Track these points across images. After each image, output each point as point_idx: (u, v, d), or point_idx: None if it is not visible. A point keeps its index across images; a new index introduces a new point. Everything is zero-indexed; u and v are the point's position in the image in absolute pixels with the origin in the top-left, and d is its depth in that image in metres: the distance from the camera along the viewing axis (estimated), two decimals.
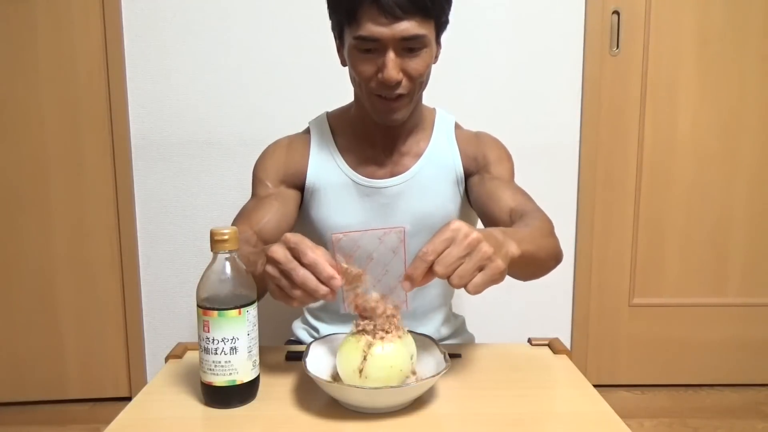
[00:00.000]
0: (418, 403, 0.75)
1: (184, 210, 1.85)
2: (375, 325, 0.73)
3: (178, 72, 1.79)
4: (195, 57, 1.78)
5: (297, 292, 0.70)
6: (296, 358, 0.89)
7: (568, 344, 1.89)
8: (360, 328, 0.74)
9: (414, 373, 0.78)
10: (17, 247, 1.83)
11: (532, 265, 0.87)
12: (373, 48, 0.93)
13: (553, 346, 0.95)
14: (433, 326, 1.14)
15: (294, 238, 0.70)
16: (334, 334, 0.86)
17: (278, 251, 0.70)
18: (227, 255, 0.73)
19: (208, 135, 1.82)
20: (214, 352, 0.72)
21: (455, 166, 1.09)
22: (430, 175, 1.08)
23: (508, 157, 1.12)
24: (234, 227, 0.73)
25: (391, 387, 0.71)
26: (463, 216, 1.11)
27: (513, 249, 0.76)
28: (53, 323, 1.87)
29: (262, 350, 0.80)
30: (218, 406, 0.75)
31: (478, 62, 1.82)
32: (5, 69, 1.74)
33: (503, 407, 0.76)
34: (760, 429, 1.79)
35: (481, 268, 0.70)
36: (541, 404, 0.78)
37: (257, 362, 0.76)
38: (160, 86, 1.79)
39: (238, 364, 0.73)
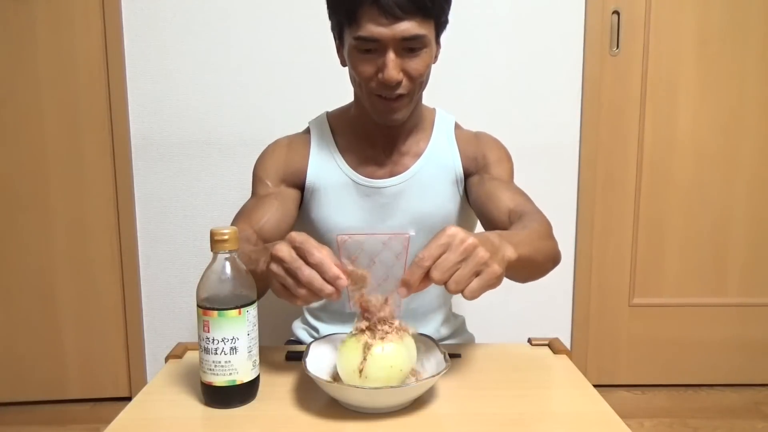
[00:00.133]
0: (418, 403, 0.75)
1: (184, 210, 1.85)
2: (375, 325, 0.73)
3: (178, 72, 1.79)
4: (195, 57, 1.78)
5: (302, 291, 0.70)
6: (296, 358, 0.89)
7: (568, 344, 1.89)
8: (360, 328, 0.74)
9: (414, 373, 0.78)
10: (17, 247, 1.83)
11: (530, 267, 0.87)
12: (373, 48, 0.93)
13: (553, 346, 0.95)
14: (433, 326, 1.14)
15: (299, 237, 0.70)
16: (334, 334, 0.86)
17: (283, 250, 0.70)
18: (227, 255, 0.73)
19: (208, 135, 1.82)
20: (214, 352, 0.72)
21: (455, 166, 1.09)
22: (430, 175, 1.08)
23: (508, 158, 1.12)
24: (234, 227, 0.73)
25: (391, 387, 0.71)
26: (463, 216, 1.11)
27: (510, 253, 0.76)
28: (53, 323, 1.87)
29: (262, 350, 0.80)
30: (218, 406, 0.75)
31: (477, 62, 1.82)
32: (5, 69, 1.74)
33: (503, 407, 0.76)
34: (760, 429, 1.79)
35: (477, 274, 0.70)
36: (541, 404, 0.78)
37: (257, 362, 0.76)
38: (160, 86, 1.79)
39: (238, 364, 0.73)
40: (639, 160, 1.92)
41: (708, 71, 1.87)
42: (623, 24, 1.83)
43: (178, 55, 1.78)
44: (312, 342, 0.83)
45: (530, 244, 0.84)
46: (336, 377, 0.77)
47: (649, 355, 2.01)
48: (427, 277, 0.69)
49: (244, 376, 0.74)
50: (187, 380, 0.83)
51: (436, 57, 1.01)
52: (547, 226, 0.96)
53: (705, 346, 2.01)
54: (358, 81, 0.99)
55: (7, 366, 1.88)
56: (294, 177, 1.08)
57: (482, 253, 0.69)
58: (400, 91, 0.96)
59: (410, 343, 0.75)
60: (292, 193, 1.08)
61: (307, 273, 0.69)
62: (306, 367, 0.75)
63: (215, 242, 0.72)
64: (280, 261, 0.70)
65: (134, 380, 1.91)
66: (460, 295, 0.70)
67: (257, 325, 0.76)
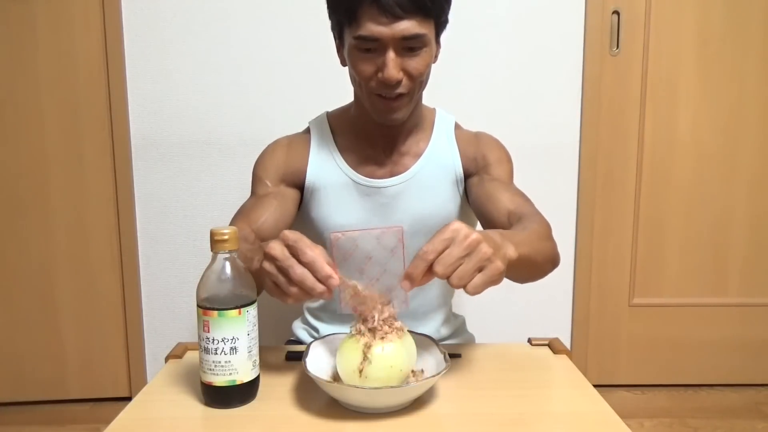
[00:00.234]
0: (418, 403, 0.75)
1: (184, 210, 1.85)
2: (375, 326, 0.73)
3: (178, 72, 1.79)
4: (195, 57, 1.78)
5: (293, 290, 0.70)
6: (296, 358, 0.89)
7: (568, 344, 1.89)
8: (360, 328, 0.74)
9: (414, 373, 0.78)
10: (17, 247, 1.83)
11: (529, 268, 0.87)
12: (374, 47, 0.93)
13: (553, 346, 0.95)
14: (433, 326, 1.14)
15: (292, 235, 0.70)
16: (334, 334, 0.86)
17: (276, 248, 0.70)
18: (227, 255, 0.72)
19: (208, 135, 1.82)
20: (214, 352, 0.72)
21: (455, 166, 1.09)
22: (430, 175, 1.08)
23: (508, 159, 1.12)
24: (234, 227, 0.73)
25: (391, 387, 0.71)
26: (463, 216, 1.11)
27: (511, 251, 0.76)
28: (53, 323, 1.87)
29: (262, 350, 0.80)
30: (218, 406, 0.75)
31: (478, 62, 1.82)
32: (5, 69, 1.74)
33: (503, 407, 0.76)
34: (760, 429, 1.79)
35: (480, 269, 0.70)
36: (541, 404, 0.78)
37: (257, 362, 0.76)
38: (160, 86, 1.79)
39: (238, 364, 0.73)
40: (639, 160, 1.92)
41: (708, 71, 1.87)
42: (623, 24, 1.83)
43: (178, 55, 1.78)
44: (312, 342, 0.83)
45: (530, 244, 0.84)
46: (336, 377, 0.77)
47: (649, 355, 2.01)
48: (430, 272, 0.69)
49: (244, 376, 0.74)
50: (187, 380, 0.83)
51: (436, 57, 1.01)
52: (547, 228, 0.96)
53: (705, 346, 2.01)
54: (358, 80, 0.99)
55: (7, 366, 1.88)
56: (294, 177, 1.08)
57: (486, 248, 0.69)
58: (400, 90, 0.96)
59: (410, 343, 0.75)
60: (292, 193, 1.08)
61: (299, 271, 0.69)
62: (306, 367, 0.75)
63: (215, 242, 0.72)
64: (272, 259, 0.70)
65: (134, 380, 1.91)
66: (460, 295, 0.70)
67: (257, 325, 0.76)
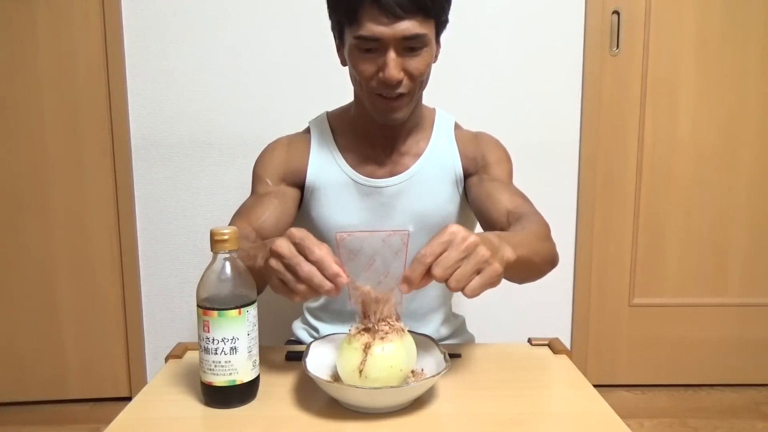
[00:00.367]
0: (418, 403, 0.75)
1: (184, 210, 1.85)
2: (375, 325, 0.73)
3: (178, 72, 1.79)
4: (195, 57, 1.78)
5: (301, 287, 0.70)
6: (296, 358, 0.89)
7: (568, 344, 1.89)
8: (360, 328, 0.74)
9: (414, 373, 0.78)
10: (17, 247, 1.82)
11: (528, 269, 0.87)
12: (374, 47, 0.93)
13: (553, 346, 0.95)
14: (433, 326, 1.14)
15: (299, 233, 0.71)
16: (334, 334, 0.86)
17: (283, 245, 0.70)
18: (227, 255, 0.72)
19: (208, 135, 1.82)
20: (214, 352, 0.72)
21: (455, 166, 1.09)
22: (430, 175, 1.08)
23: (508, 159, 1.12)
24: (234, 227, 0.73)
25: (391, 387, 0.71)
26: (463, 216, 1.11)
27: (508, 253, 0.76)
28: (53, 323, 1.87)
29: (262, 350, 0.80)
30: (218, 406, 0.75)
31: (477, 62, 1.82)
32: (5, 69, 1.74)
33: (503, 407, 0.76)
34: (760, 429, 1.79)
35: (478, 271, 0.70)
36: (541, 404, 0.78)
37: (257, 362, 0.76)
38: (160, 86, 1.79)
39: (238, 364, 0.73)
40: (639, 159, 1.92)
41: (708, 71, 1.87)
42: (623, 24, 1.83)
43: (178, 55, 1.78)
44: (312, 342, 0.83)
45: (528, 245, 0.84)
46: (336, 377, 0.77)
47: (649, 355, 2.01)
48: (428, 274, 0.69)
49: (244, 376, 0.74)
50: (187, 380, 0.83)
51: (436, 56, 1.01)
52: (546, 228, 0.96)
53: (705, 346, 2.01)
54: (358, 80, 0.99)
55: (7, 366, 1.88)
56: (294, 176, 1.08)
57: (483, 251, 0.69)
58: (401, 90, 0.96)
59: (410, 343, 0.75)
60: (292, 192, 1.08)
61: (307, 269, 0.69)
62: (306, 367, 0.75)
63: (215, 242, 0.72)
64: (279, 256, 0.70)
65: (134, 380, 1.91)
66: (460, 295, 0.70)
67: (257, 325, 0.76)
